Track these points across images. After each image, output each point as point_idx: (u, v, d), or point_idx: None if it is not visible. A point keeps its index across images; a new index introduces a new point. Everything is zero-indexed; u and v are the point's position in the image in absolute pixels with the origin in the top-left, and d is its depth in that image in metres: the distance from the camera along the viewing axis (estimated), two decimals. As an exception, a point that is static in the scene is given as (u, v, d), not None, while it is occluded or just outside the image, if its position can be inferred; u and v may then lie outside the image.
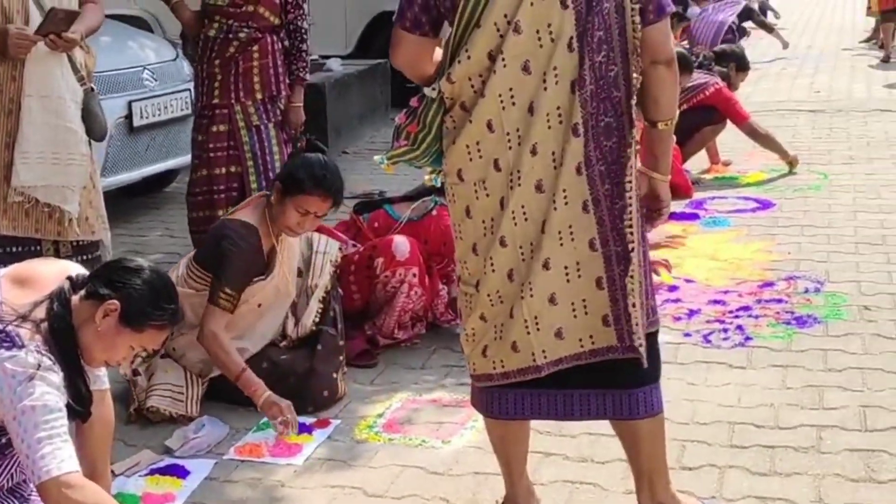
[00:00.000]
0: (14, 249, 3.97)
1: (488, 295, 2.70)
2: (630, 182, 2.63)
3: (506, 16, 2.56)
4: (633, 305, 2.65)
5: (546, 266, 2.64)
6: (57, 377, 2.55)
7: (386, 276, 4.29)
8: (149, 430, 3.71)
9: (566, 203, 2.61)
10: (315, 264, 4.12)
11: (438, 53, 2.72)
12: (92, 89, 4.14)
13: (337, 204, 3.86)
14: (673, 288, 4.95)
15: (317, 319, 4.06)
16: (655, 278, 4.84)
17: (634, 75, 2.63)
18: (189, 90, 6.13)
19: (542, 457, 3.35)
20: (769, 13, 15.94)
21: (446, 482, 3.29)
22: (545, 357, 2.70)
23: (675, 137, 6.05)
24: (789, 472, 3.24)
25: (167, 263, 5.48)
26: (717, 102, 6.88)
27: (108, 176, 5.75)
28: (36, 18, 3.92)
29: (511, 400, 2.80)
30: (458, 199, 2.73)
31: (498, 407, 2.83)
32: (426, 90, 2.69)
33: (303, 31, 5.03)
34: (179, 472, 3.40)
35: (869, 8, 14.70)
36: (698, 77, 6.89)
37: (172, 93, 6.27)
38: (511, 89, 2.59)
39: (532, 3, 2.55)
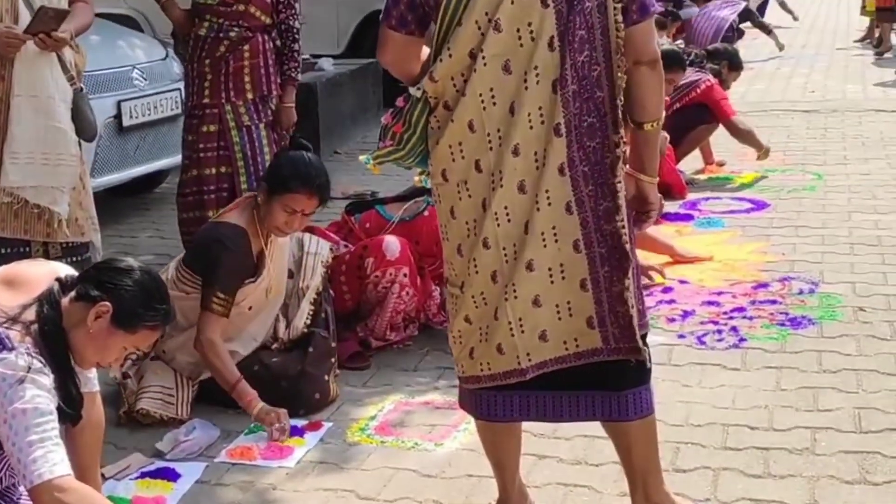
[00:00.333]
0: (2, 251, 3.96)
1: (472, 297, 2.70)
2: (620, 182, 2.62)
3: (486, 13, 2.55)
4: (632, 307, 2.64)
5: (530, 268, 2.63)
6: (48, 380, 2.53)
7: (376, 276, 4.27)
8: (139, 433, 3.68)
9: (549, 204, 2.60)
10: (306, 265, 4.11)
11: (426, 52, 2.72)
12: (82, 89, 4.12)
13: (323, 201, 3.85)
14: (667, 289, 4.94)
15: (308, 321, 4.04)
16: (646, 281, 4.88)
17: (619, 75, 2.61)
18: (179, 90, 6.10)
19: (536, 459, 3.34)
20: (786, 14, 15.98)
21: (439, 485, 3.27)
22: (529, 360, 2.69)
23: (668, 137, 6.06)
24: (783, 475, 3.23)
25: (157, 265, 5.43)
26: (706, 99, 6.86)
27: (97, 176, 5.71)
28: (25, 17, 3.90)
29: (500, 402, 2.79)
30: (444, 200, 2.72)
31: (487, 409, 2.82)
32: (411, 90, 2.69)
33: (294, 30, 5.01)
34: (170, 476, 3.38)
35: (863, 7, 14.73)
36: (689, 75, 6.88)
37: (162, 92, 6.23)
38: (492, 89, 2.58)
39: (512, 2, 2.54)
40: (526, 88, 2.56)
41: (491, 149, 2.61)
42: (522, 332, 2.66)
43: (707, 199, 6.55)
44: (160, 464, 3.45)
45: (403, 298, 4.30)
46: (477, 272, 2.67)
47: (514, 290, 2.64)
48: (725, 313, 4.60)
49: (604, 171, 2.61)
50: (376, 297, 4.31)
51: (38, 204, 3.99)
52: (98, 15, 4.42)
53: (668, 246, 5.24)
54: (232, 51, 4.85)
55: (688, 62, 6.97)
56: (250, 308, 3.89)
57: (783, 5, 16.27)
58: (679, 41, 10.79)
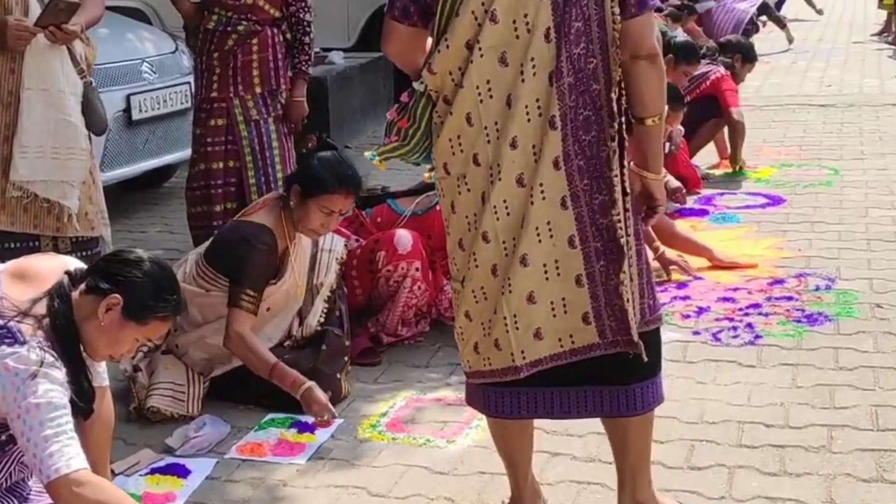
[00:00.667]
0: (12, 245, 3.95)
1: (472, 291, 2.69)
2: (616, 176, 2.59)
3: (483, 4, 2.54)
4: (628, 301, 2.62)
5: (524, 262, 2.61)
6: (60, 373, 2.54)
7: (388, 270, 4.25)
8: (149, 429, 3.68)
9: (543, 198, 2.59)
10: (320, 262, 4.08)
11: (431, 44, 2.71)
12: (91, 83, 4.11)
13: (358, 200, 3.86)
14: (682, 285, 4.92)
15: (322, 320, 4.03)
16: (662, 276, 4.85)
17: (615, 68, 2.59)
18: (189, 83, 6.09)
19: (549, 456, 3.33)
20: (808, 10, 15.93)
21: (451, 482, 3.26)
22: (524, 358, 2.68)
23: (682, 129, 5.98)
24: (800, 473, 3.21)
25: (167, 259, 5.43)
26: (716, 90, 6.82)
27: (106, 170, 5.70)
28: (35, 9, 3.89)
29: (507, 399, 2.78)
30: (446, 194, 2.73)
31: (495, 406, 2.81)
32: (415, 84, 2.69)
33: (305, 23, 4.97)
34: (180, 472, 3.37)
35: (881, 1, 14.64)
36: (701, 67, 6.85)
37: (172, 86, 6.22)
38: (488, 81, 2.57)
39: None
40: (522, 81, 2.55)
41: (489, 142, 2.60)
42: (517, 328, 2.65)
43: (722, 194, 6.52)
44: (170, 460, 3.44)
45: (415, 293, 4.28)
46: (477, 266, 2.67)
47: (510, 285, 2.63)
48: (741, 310, 4.57)
49: (599, 165, 2.60)
50: (388, 291, 4.29)
51: (48, 198, 3.99)
52: (107, 8, 4.41)
53: (706, 249, 5.13)
54: (240, 44, 4.81)
55: (700, 55, 6.94)
56: (269, 309, 3.88)
57: (809, 1, 16.18)
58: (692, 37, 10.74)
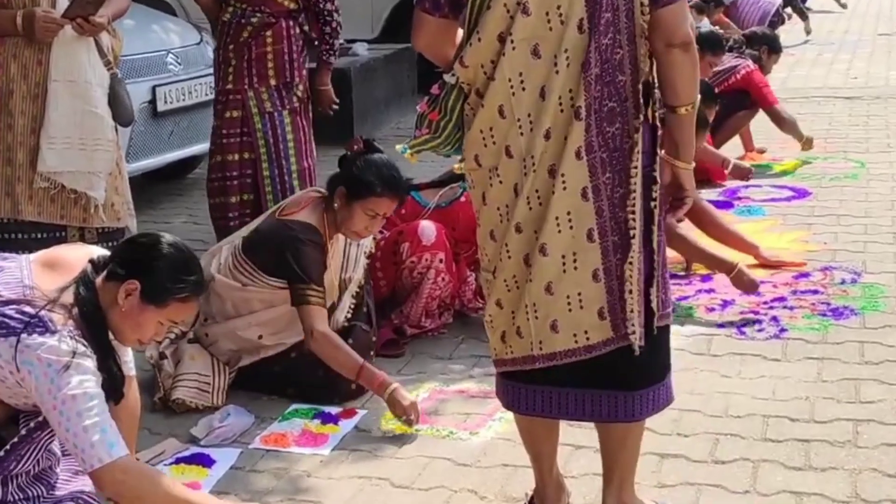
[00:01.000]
0: (39, 236, 4.02)
1: (504, 280, 2.70)
2: (636, 168, 2.60)
3: None
4: (630, 292, 2.62)
5: (543, 252, 2.62)
6: (91, 362, 2.58)
7: (412, 261, 4.27)
8: (174, 419, 3.70)
9: (565, 188, 2.59)
10: (349, 256, 4.08)
11: (461, 36, 2.71)
12: (118, 74, 4.16)
13: (402, 203, 3.92)
14: (706, 278, 4.91)
15: (349, 315, 4.05)
16: (680, 267, 4.83)
17: (643, 59, 2.59)
18: (213, 74, 6.12)
19: (573, 449, 3.33)
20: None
21: (474, 474, 3.27)
22: (541, 349, 2.69)
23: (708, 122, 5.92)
24: (825, 467, 3.20)
25: (193, 250, 5.48)
26: (747, 85, 6.82)
27: (132, 161, 5.74)
28: (63, 1, 3.95)
29: (524, 395, 2.79)
30: (476, 186, 2.73)
31: (517, 402, 2.82)
32: (446, 76, 2.69)
33: (326, 12, 4.98)
34: (205, 461, 3.39)
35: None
36: (729, 60, 6.84)
37: (196, 77, 6.23)
38: (521, 73, 2.58)
39: None
40: (556, 72, 2.56)
41: (521, 134, 2.61)
42: (536, 317, 2.67)
43: (747, 186, 6.47)
44: (195, 449, 3.46)
45: (439, 284, 4.29)
46: (510, 257, 2.68)
47: (531, 274, 2.65)
48: (766, 303, 4.56)
49: (623, 158, 2.60)
50: (411, 282, 4.30)
51: (75, 189, 4.04)
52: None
53: (753, 246, 5.05)
54: (255, 36, 4.82)
55: (727, 47, 6.91)
56: None
57: None
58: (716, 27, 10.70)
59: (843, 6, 16.11)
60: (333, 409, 3.73)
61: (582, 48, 2.54)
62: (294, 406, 3.76)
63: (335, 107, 5.31)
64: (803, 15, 13.59)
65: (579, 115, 2.56)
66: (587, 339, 2.68)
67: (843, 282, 4.79)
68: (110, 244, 4.07)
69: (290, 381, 3.83)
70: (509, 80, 2.59)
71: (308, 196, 3.96)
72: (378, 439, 3.53)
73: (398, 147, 2.89)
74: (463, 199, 4.44)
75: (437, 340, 4.34)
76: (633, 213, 2.60)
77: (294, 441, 3.52)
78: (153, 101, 5.99)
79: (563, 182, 2.59)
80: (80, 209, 4.07)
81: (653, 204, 2.66)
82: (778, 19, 11.44)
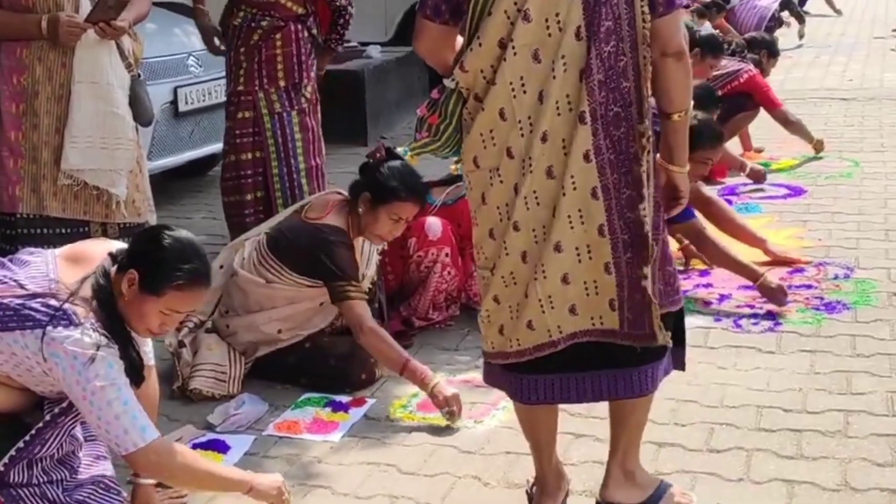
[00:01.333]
0: (63, 231, 4.07)
1: (502, 277, 2.75)
2: (644, 171, 2.65)
3: (516, 4, 2.59)
4: (653, 294, 2.69)
5: (558, 249, 2.68)
6: (114, 351, 2.67)
7: (419, 255, 4.36)
8: (191, 406, 3.80)
9: (574, 189, 2.65)
10: (362, 253, 4.14)
11: (461, 42, 2.76)
12: (139, 76, 4.23)
13: (423, 208, 4.03)
14: (704, 273, 4.96)
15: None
16: (678, 263, 4.88)
17: (646, 66, 2.65)
18: (232, 76, 6.22)
19: (573, 438, 3.40)
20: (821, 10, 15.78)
21: (478, 461, 3.35)
22: (560, 332, 2.75)
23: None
24: (816, 456, 3.26)
25: (211, 245, 5.53)
26: (750, 89, 6.89)
27: (153, 159, 5.85)
28: (86, 6, 4.02)
29: (531, 385, 2.85)
30: (475, 187, 2.77)
31: (520, 391, 2.88)
32: (446, 81, 2.73)
33: (341, 8, 5.11)
34: (220, 447, 3.48)
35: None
36: (731, 64, 6.90)
37: (216, 79, 6.31)
38: (522, 77, 2.63)
39: None
40: (554, 77, 2.60)
41: (522, 135, 2.66)
42: (552, 308, 2.72)
43: (745, 184, 6.54)
44: (211, 436, 3.55)
45: (445, 278, 4.38)
46: (507, 254, 2.73)
47: (544, 271, 2.69)
48: (761, 297, 4.60)
49: (628, 161, 2.66)
50: (419, 276, 4.39)
51: (97, 186, 4.11)
52: (154, 3, 4.51)
53: (761, 240, 5.09)
54: (265, 39, 4.90)
55: (728, 52, 6.99)
56: (322, 304, 4.00)
57: (829, 1, 16.06)
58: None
59: (838, 12, 16.07)
60: (344, 398, 3.81)
61: (580, 55, 2.60)
62: (306, 395, 3.85)
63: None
64: (801, 18, 13.58)
65: (584, 119, 2.61)
66: (601, 323, 2.75)
67: (836, 277, 4.84)
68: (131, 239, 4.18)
69: (303, 370, 3.93)
70: (510, 84, 2.63)
71: (332, 199, 4.03)
72: (386, 427, 3.61)
73: (399, 150, 2.95)
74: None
75: (444, 332, 4.41)
76: (647, 216, 2.66)
77: (306, 428, 3.61)
78: (174, 102, 6.10)
79: (574, 183, 2.64)
80: (102, 205, 4.14)
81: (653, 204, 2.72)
82: (774, 24, 11.47)
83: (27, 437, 2.75)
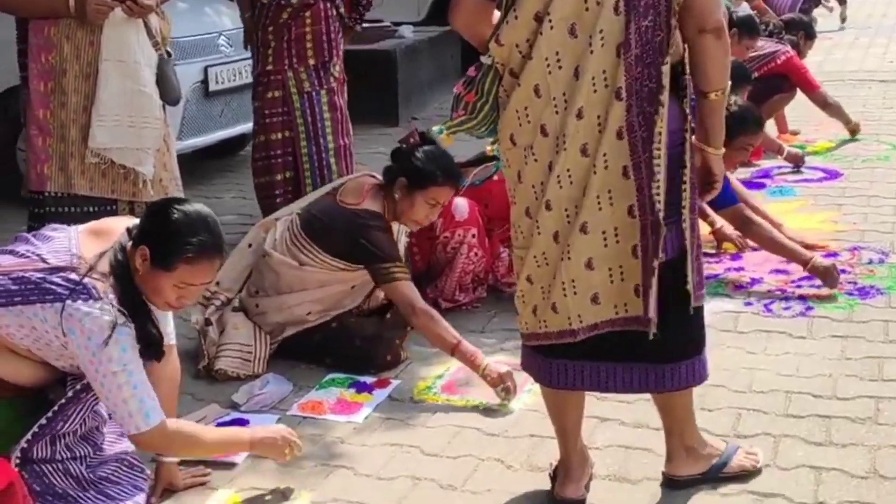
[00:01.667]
0: (91, 209, 4.09)
1: (535, 256, 2.75)
2: (658, 149, 2.61)
3: None
4: (653, 275, 2.66)
5: (584, 230, 2.66)
6: (130, 330, 2.69)
7: (445, 236, 4.35)
8: (216, 386, 3.81)
9: (606, 167, 2.63)
10: (394, 235, 4.12)
11: (498, 17, 2.75)
12: (169, 54, 4.23)
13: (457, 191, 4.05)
14: (736, 256, 4.93)
15: (388, 292, 4.14)
16: (711, 246, 4.84)
17: (675, 41, 2.62)
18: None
19: (598, 421, 3.39)
20: None
21: (501, 444, 3.34)
22: (580, 322, 2.74)
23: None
24: (845, 443, 3.23)
25: (240, 224, 5.60)
26: (788, 71, 6.82)
27: (184, 139, 5.89)
28: (113, -15, 4.01)
29: (561, 370, 2.85)
30: (512, 164, 2.77)
31: (549, 376, 2.88)
32: (482, 58, 2.73)
33: None
34: (244, 426, 3.44)
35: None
36: (768, 45, 6.84)
37: (247, 58, 6.20)
38: (557, 52, 2.61)
39: None
40: (591, 52, 2.58)
41: (556, 112, 2.64)
42: (575, 293, 2.71)
43: (780, 167, 6.48)
44: (235, 415, 3.56)
45: (472, 259, 4.37)
46: (540, 233, 2.72)
47: (569, 252, 2.68)
48: (793, 282, 4.58)
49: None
50: (445, 257, 4.38)
51: (124, 164, 4.13)
52: (186, -17, 4.54)
53: (777, 224, 4.99)
54: (294, 17, 4.89)
55: (765, 33, 6.92)
56: (353, 287, 4.02)
57: None
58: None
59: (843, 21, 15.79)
60: (368, 379, 3.81)
61: (618, 29, 2.57)
62: (331, 375, 3.85)
63: None
64: (841, 0, 13.41)
65: (620, 95, 2.58)
66: (626, 310, 2.73)
67: (870, 262, 4.79)
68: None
69: (328, 350, 3.94)
70: (546, 60, 2.61)
71: (366, 183, 4.03)
72: (410, 409, 3.61)
73: (434, 129, 2.94)
74: (496, 177, 4.50)
75: (470, 314, 4.40)
76: (659, 195, 2.63)
77: (330, 409, 3.61)
78: (205, 81, 6.12)
79: (605, 162, 2.62)
80: (129, 184, 4.16)
81: (683, 187, 2.69)
82: (810, 5, 11.32)
83: (50, 413, 2.78)
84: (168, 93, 4.21)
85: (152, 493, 3.01)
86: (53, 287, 2.68)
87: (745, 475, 3.05)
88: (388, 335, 3.98)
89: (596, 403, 3.39)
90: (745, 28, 6.50)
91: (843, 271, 4.67)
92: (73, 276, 2.69)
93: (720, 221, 4.94)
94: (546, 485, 3.04)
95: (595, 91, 2.60)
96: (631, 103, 2.60)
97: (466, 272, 4.40)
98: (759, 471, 3.07)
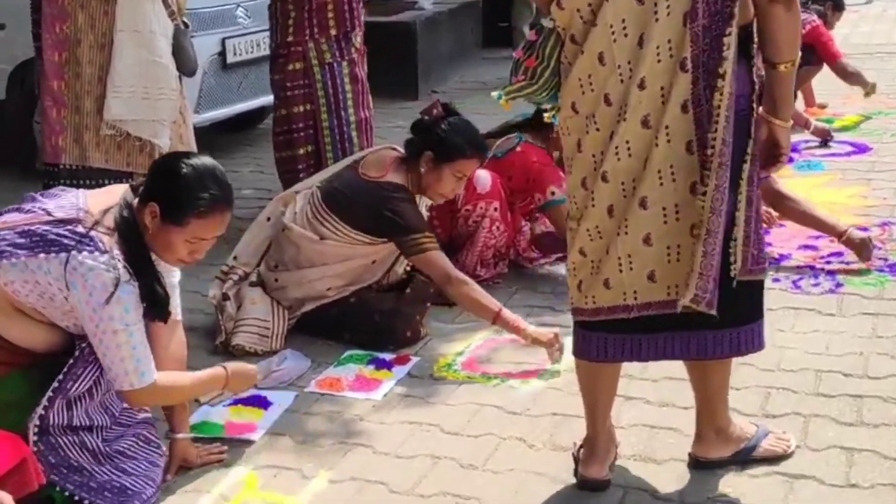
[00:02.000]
0: (106, 182, 3.99)
1: (588, 229, 2.71)
2: (717, 123, 2.54)
3: None
4: (704, 255, 2.59)
5: (643, 205, 2.61)
6: (133, 289, 2.68)
7: (467, 209, 4.30)
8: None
9: (668, 141, 2.57)
10: None
11: None
12: (186, 25, 4.19)
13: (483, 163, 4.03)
14: (764, 232, 4.83)
15: (408, 268, 4.09)
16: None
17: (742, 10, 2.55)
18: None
19: (623, 400, 3.32)
20: None
21: (523, 422, 3.29)
22: (635, 298, 2.70)
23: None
24: (877, 423, 3.17)
25: (258, 199, 5.59)
26: (812, 40, 6.70)
27: (201, 112, 5.87)
28: (126, -47, 3.98)
29: (595, 343, 2.80)
30: (572, 133, 2.72)
31: (587, 348, 2.83)
32: (543, 21, 2.69)
33: None
34: (262, 403, 3.45)
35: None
36: None
37: (265, 30, 6.18)
38: (623, 20, 2.55)
39: None
40: (656, 20, 2.52)
41: (621, 81, 2.58)
42: (631, 269, 2.67)
43: (807, 141, 6.39)
44: (253, 391, 3.49)
45: (494, 233, 4.32)
46: (594, 205, 2.68)
47: (626, 227, 2.64)
48: (822, 258, 4.52)
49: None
50: (467, 231, 4.33)
51: (140, 137, 4.09)
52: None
53: (843, 231, 4.73)
54: None
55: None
56: (374, 262, 3.98)
57: None
58: None
59: None
60: (387, 356, 3.77)
61: None
62: (349, 351, 3.81)
63: None
64: None
65: (685, 66, 2.53)
66: (677, 293, 2.67)
67: (901, 237, 4.72)
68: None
69: (347, 326, 3.89)
70: (611, 27, 2.56)
71: (388, 156, 3.98)
72: (430, 386, 3.56)
73: (494, 94, 2.92)
74: (519, 149, 4.44)
75: (491, 290, 4.23)
76: (722, 164, 2.54)
77: (348, 386, 3.57)
78: (223, 53, 6.09)
79: (668, 135, 2.57)
80: (145, 156, 4.13)
81: (746, 157, 2.63)
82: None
83: (61, 376, 2.77)
84: (185, 63, 4.18)
85: (167, 470, 2.99)
86: (59, 238, 2.67)
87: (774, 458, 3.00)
88: (407, 310, 3.93)
89: (621, 382, 3.26)
90: None
91: (874, 247, 4.58)
92: (80, 228, 2.69)
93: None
94: (569, 465, 2.99)
95: (659, 61, 2.54)
96: (697, 75, 2.54)
97: (488, 246, 4.34)
98: (790, 455, 3.01)
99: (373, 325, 3.87)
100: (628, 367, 3.24)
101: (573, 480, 2.95)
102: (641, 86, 2.55)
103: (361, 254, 3.92)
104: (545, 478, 2.98)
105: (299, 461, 3.11)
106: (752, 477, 2.93)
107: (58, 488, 2.72)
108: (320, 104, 4.90)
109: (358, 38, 4.95)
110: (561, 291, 4.33)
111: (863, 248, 4.41)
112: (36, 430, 2.72)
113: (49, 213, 2.73)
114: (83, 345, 2.77)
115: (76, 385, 2.77)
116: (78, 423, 2.79)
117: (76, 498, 2.73)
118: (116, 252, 2.68)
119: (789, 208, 4.61)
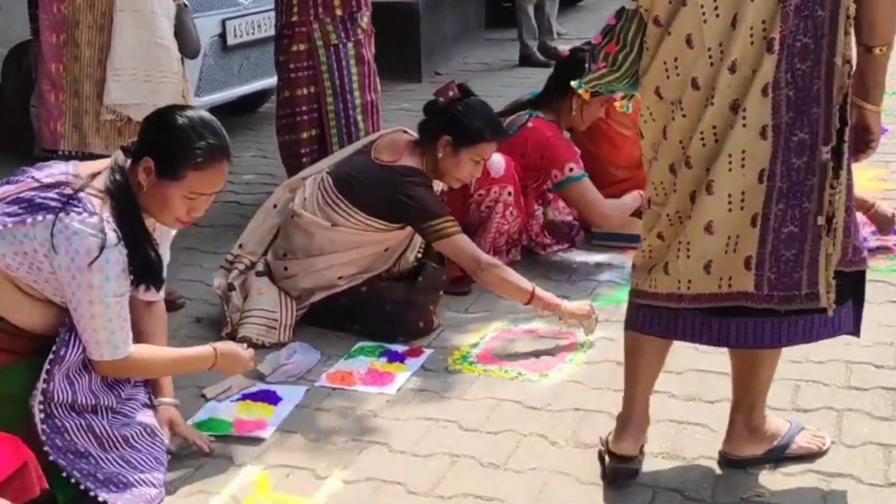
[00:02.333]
0: (106, 169, 3.96)
1: (668, 215, 2.63)
2: (836, 115, 2.44)
3: None
4: (829, 254, 2.53)
5: (709, 190, 2.53)
6: (119, 256, 2.61)
7: (480, 194, 4.21)
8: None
9: (744, 125, 2.48)
10: None
11: None
12: (185, 5, 4.08)
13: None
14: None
15: (419, 255, 4.00)
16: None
17: None
18: (282, 8, 6.05)
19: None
20: None
21: (544, 417, 3.19)
22: (688, 287, 2.62)
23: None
24: (914, 418, 3.06)
25: (261, 185, 5.50)
26: None
27: (201, 95, 5.76)
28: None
29: (644, 314, 2.74)
30: (657, 119, 2.63)
31: (637, 319, 2.76)
32: (626, 4, 2.59)
33: None
34: (271, 399, 3.35)
35: None
36: None
37: (266, 11, 6.16)
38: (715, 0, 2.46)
39: None
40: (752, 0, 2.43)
41: (711, 64, 2.50)
42: (688, 256, 2.60)
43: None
44: (262, 386, 3.42)
45: (507, 219, 4.23)
46: (675, 191, 2.60)
47: (692, 211, 2.57)
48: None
49: (808, 99, 2.47)
50: (479, 216, 4.23)
51: (141, 122, 3.97)
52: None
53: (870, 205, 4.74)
54: None
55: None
56: (387, 249, 3.89)
57: None
58: None
59: None
60: (400, 348, 3.67)
61: None
62: (360, 343, 3.72)
63: None
64: None
65: (772, 48, 2.44)
66: (729, 285, 2.60)
67: (923, 222, 4.57)
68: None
69: (357, 316, 3.80)
70: (702, 7, 2.47)
71: (401, 140, 3.89)
72: (445, 380, 3.46)
73: (573, 84, 2.83)
74: (530, 124, 4.35)
75: None
76: (829, 159, 2.45)
77: (360, 379, 3.47)
78: (223, 35, 5.99)
79: (744, 119, 2.49)
80: (146, 142, 4.03)
81: (844, 146, 2.53)
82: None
83: (54, 347, 2.71)
84: (188, 44, 4.06)
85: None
86: (45, 202, 2.60)
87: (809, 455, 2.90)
88: (419, 300, 3.82)
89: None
90: None
91: (896, 233, 4.50)
92: (68, 190, 2.62)
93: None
94: (594, 463, 2.90)
95: (752, 43, 2.45)
96: (781, 58, 2.44)
97: (501, 232, 4.25)
98: (825, 452, 2.91)
99: (384, 315, 3.77)
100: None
101: (599, 482, 2.84)
102: (732, 69, 2.47)
103: (374, 240, 3.82)
104: (570, 478, 2.87)
105: (312, 460, 3.00)
106: (787, 475, 2.83)
107: (64, 473, 2.63)
108: (325, 86, 4.78)
109: (364, 19, 4.83)
110: (575, 279, 4.23)
111: (886, 223, 4.37)
112: (41, 408, 2.65)
113: (37, 180, 2.66)
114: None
115: (69, 352, 2.69)
116: (83, 402, 2.72)
117: (81, 487, 2.64)
118: (107, 214, 2.61)
119: None
